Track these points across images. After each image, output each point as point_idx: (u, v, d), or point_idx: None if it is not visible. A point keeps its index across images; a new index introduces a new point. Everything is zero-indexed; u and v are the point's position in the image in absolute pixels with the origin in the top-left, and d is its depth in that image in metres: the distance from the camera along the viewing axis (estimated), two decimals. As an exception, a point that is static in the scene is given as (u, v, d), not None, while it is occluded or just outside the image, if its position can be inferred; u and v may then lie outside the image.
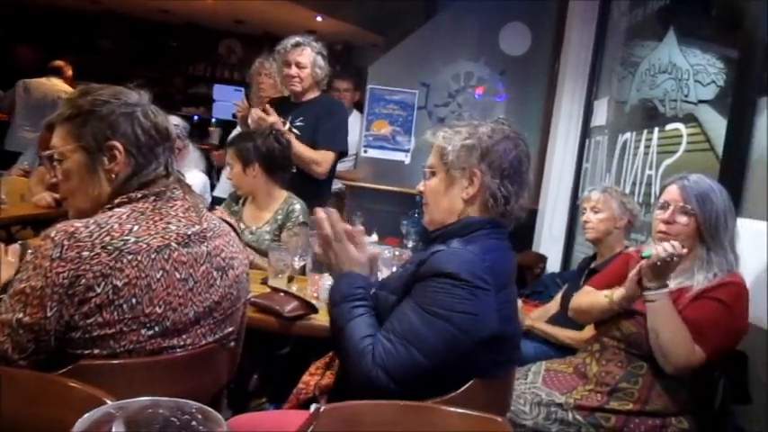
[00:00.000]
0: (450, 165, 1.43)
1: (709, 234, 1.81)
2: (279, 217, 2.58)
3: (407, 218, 3.96)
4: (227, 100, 3.58)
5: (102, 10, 8.12)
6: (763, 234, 2.00)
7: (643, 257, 1.77)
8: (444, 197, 1.44)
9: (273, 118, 2.74)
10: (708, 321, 1.73)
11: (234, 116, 3.26)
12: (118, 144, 1.26)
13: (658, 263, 1.73)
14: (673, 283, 1.82)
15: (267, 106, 2.82)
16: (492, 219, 1.41)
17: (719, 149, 2.33)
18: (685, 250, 1.75)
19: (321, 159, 2.86)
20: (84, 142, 1.27)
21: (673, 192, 1.87)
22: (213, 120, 6.19)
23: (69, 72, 5.52)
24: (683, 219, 1.83)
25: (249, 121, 2.92)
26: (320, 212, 1.41)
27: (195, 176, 3.23)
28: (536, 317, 2.74)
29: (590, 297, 2.04)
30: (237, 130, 3.58)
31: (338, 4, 6.37)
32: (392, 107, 4.72)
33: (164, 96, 7.40)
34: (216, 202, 3.28)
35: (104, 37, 8.51)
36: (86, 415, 0.53)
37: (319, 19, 7.04)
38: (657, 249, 1.73)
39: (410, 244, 3.67)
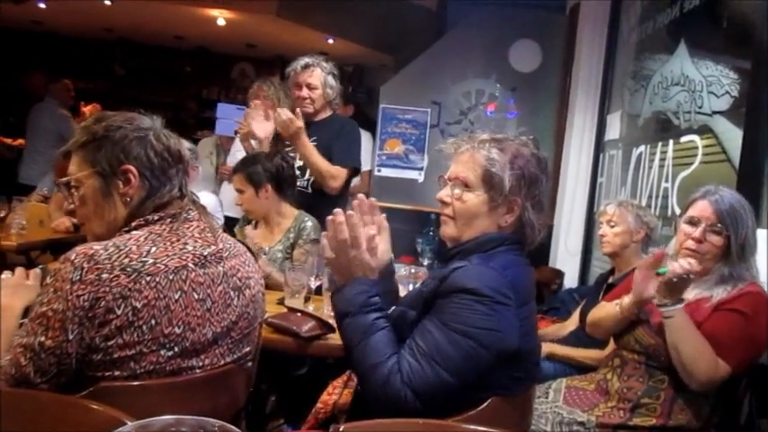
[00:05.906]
0: (495, 189, 1.38)
1: (737, 253, 1.77)
2: (291, 235, 2.62)
3: (422, 236, 3.95)
4: (229, 118, 3.62)
5: (116, 37, 8.29)
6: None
7: (658, 274, 1.73)
8: (483, 219, 1.40)
9: (301, 122, 2.77)
10: (729, 334, 1.70)
11: (236, 133, 3.31)
12: (132, 168, 1.28)
13: (674, 279, 1.69)
14: (691, 294, 1.80)
15: (298, 110, 2.85)
16: (511, 235, 1.41)
17: (736, 160, 2.31)
18: (700, 267, 1.72)
19: (337, 174, 2.88)
20: (99, 167, 1.29)
21: (704, 208, 1.81)
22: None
23: (70, 92, 5.63)
24: (714, 238, 1.78)
25: (250, 126, 2.92)
26: (339, 216, 1.36)
27: (206, 197, 3.25)
28: (549, 332, 2.71)
29: (603, 309, 2.01)
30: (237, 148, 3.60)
31: (348, 25, 6.43)
32: (404, 126, 4.74)
33: (178, 121, 7.48)
34: (229, 221, 3.30)
35: (118, 63, 8.66)
36: (110, 434, 0.53)
37: (330, 41, 7.11)
38: (674, 266, 1.69)
39: (425, 262, 3.66)
